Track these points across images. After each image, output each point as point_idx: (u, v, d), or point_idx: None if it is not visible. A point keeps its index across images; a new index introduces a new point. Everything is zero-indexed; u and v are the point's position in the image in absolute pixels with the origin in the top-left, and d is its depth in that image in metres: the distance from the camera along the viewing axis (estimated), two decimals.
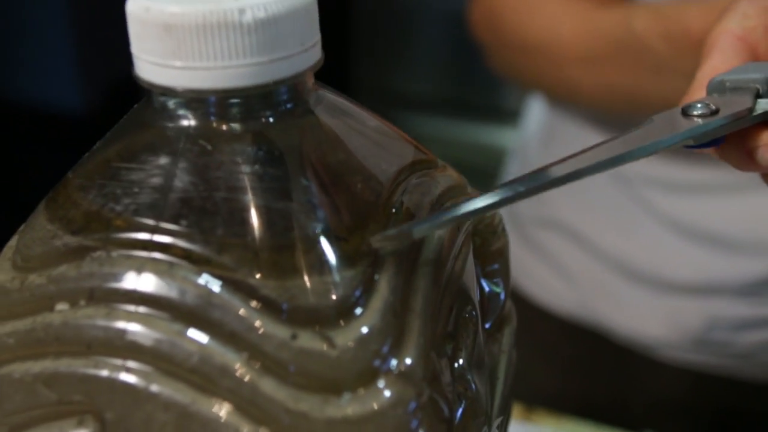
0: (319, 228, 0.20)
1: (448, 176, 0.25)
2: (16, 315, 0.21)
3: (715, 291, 0.55)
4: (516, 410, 0.48)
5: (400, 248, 0.21)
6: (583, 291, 0.58)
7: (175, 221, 0.20)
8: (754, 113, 0.24)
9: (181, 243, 0.20)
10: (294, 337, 0.19)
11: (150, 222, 0.21)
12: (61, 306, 0.21)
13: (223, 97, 0.21)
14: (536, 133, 0.60)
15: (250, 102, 0.21)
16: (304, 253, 0.20)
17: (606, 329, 0.58)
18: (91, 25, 1.62)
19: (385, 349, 0.20)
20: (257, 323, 0.19)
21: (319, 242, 0.20)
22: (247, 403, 0.19)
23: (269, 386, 0.19)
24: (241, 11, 0.20)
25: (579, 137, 0.56)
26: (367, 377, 0.19)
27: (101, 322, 0.20)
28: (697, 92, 0.27)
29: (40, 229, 0.22)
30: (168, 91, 0.21)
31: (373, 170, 0.23)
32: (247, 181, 0.21)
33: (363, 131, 0.24)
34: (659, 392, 0.59)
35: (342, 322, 0.20)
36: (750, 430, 0.59)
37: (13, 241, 0.23)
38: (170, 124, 0.21)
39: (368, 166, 0.23)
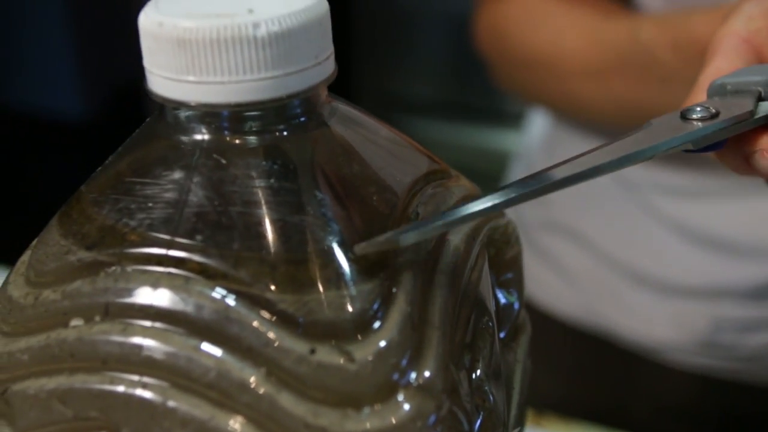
0: (335, 241, 0.20)
1: (462, 186, 0.25)
2: (30, 331, 0.21)
3: (720, 294, 0.55)
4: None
5: (417, 259, 0.21)
6: (589, 295, 0.58)
7: (190, 236, 0.20)
8: (756, 116, 0.24)
9: (197, 257, 0.20)
10: (312, 351, 0.19)
11: (165, 237, 0.20)
12: (76, 322, 0.21)
13: (237, 111, 0.21)
14: (539, 139, 0.60)
15: (264, 116, 0.21)
16: (321, 267, 0.20)
17: (611, 333, 0.58)
18: (92, 32, 1.62)
19: (404, 362, 0.20)
20: (275, 338, 0.19)
21: (335, 255, 0.20)
22: (265, 418, 0.19)
23: (288, 401, 0.19)
24: (255, 25, 0.20)
25: (582, 145, 0.56)
26: (386, 391, 0.19)
27: (116, 338, 0.20)
28: (699, 95, 0.27)
29: (53, 244, 0.22)
30: (181, 106, 0.21)
31: (388, 181, 0.23)
32: (262, 195, 0.21)
33: (377, 142, 0.23)
34: (665, 396, 0.59)
35: (360, 336, 0.20)
36: None
37: (25, 256, 0.23)
38: (184, 138, 0.21)
39: (383, 177, 0.23)
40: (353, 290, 0.20)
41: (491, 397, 0.22)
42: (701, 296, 0.55)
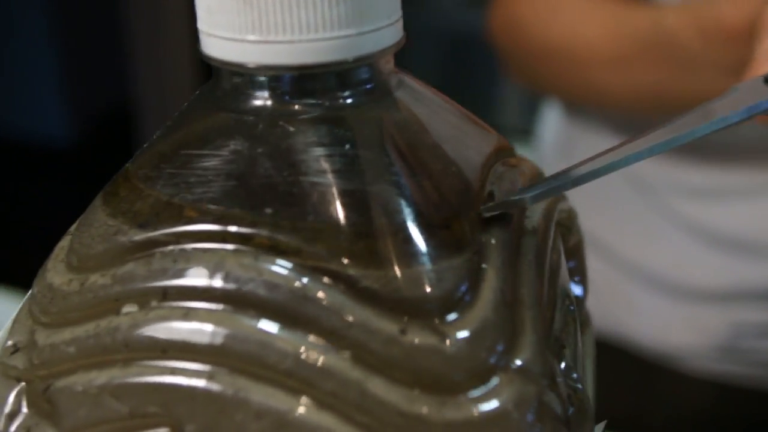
0: (419, 214, 0.19)
1: (528, 164, 0.24)
2: (75, 320, 0.19)
3: (739, 297, 0.54)
4: None
5: (501, 237, 0.20)
6: (604, 301, 0.57)
7: (257, 209, 0.18)
8: None
9: (266, 232, 0.18)
10: (403, 331, 0.17)
11: (229, 211, 0.19)
12: (129, 308, 0.19)
13: (305, 74, 0.19)
14: (553, 145, 0.59)
15: (332, 80, 0.19)
16: (406, 240, 0.18)
17: (628, 340, 0.57)
18: (78, 57, 1.60)
19: (501, 342, 0.18)
20: (360, 317, 0.17)
21: (422, 229, 0.18)
22: (353, 407, 0.17)
23: (378, 387, 0.17)
24: None
25: (599, 146, 0.55)
26: (483, 374, 0.17)
27: (178, 324, 0.18)
28: (761, 67, 0.26)
29: (99, 225, 0.20)
30: (244, 69, 0.19)
31: (461, 157, 0.21)
32: (336, 164, 0.19)
33: (444, 116, 0.22)
34: (682, 404, 0.58)
35: (453, 315, 0.18)
36: None
37: (64, 242, 0.21)
38: (245, 106, 0.19)
39: (456, 152, 0.21)
40: (443, 264, 0.18)
41: (580, 386, 0.21)
42: (719, 300, 0.54)
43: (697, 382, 0.56)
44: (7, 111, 1.60)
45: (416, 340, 0.17)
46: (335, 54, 0.19)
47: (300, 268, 0.18)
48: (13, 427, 0.19)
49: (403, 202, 0.19)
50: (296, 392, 0.17)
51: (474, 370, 0.17)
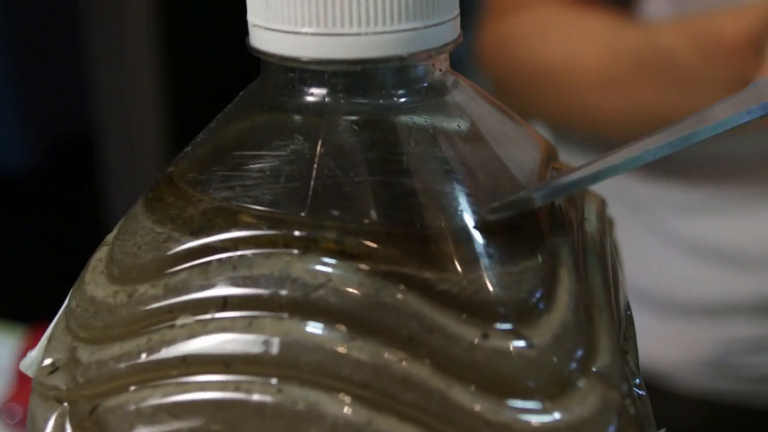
0: (493, 215, 0.18)
1: (570, 167, 0.23)
2: (124, 335, 0.18)
3: (728, 311, 0.54)
4: None
5: (567, 238, 0.19)
6: None
7: (322, 212, 0.17)
8: None
9: (333, 235, 0.17)
10: (485, 336, 0.16)
11: (292, 214, 0.18)
12: (185, 320, 0.18)
13: (367, 69, 0.18)
14: None
15: (391, 76, 0.19)
16: (482, 243, 0.17)
17: None
18: (36, 82, 1.57)
19: (581, 346, 0.17)
20: (440, 323, 0.17)
21: (494, 230, 0.18)
22: (436, 418, 0.16)
23: (462, 396, 0.16)
24: None
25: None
26: (565, 379, 0.17)
27: (241, 336, 0.17)
28: None
29: (145, 233, 0.19)
30: (300, 64, 0.18)
31: (517, 159, 0.20)
32: (405, 165, 0.18)
33: (497, 118, 0.21)
34: (673, 422, 0.58)
35: (533, 318, 0.17)
36: None
37: (101, 253, 0.20)
38: (301, 103, 0.19)
39: (511, 155, 0.20)
40: (521, 266, 0.17)
41: (644, 393, 0.20)
42: (708, 315, 0.54)
43: (686, 400, 0.56)
44: None
45: (499, 345, 0.16)
46: (399, 48, 0.18)
47: (372, 273, 0.17)
48: None
49: (470, 203, 0.18)
50: (374, 404, 0.16)
51: (556, 376, 0.17)
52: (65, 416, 0.18)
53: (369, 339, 0.17)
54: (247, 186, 0.18)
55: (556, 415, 0.16)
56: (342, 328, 0.17)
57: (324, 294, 0.17)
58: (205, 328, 0.17)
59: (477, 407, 0.16)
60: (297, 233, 0.17)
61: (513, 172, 0.20)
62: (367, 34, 0.18)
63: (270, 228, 0.18)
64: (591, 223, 0.21)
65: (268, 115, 0.19)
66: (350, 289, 0.17)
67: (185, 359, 0.17)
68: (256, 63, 0.20)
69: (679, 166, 0.53)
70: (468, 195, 0.18)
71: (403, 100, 0.19)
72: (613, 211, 0.61)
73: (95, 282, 0.19)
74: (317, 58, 0.18)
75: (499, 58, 0.52)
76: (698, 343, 0.55)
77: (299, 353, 0.17)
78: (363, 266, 0.17)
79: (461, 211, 0.18)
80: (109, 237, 0.20)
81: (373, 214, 0.17)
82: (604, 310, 0.18)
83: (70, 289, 0.20)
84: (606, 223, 0.22)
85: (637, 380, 0.20)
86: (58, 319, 0.20)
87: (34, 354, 0.20)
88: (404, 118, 0.19)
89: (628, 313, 0.21)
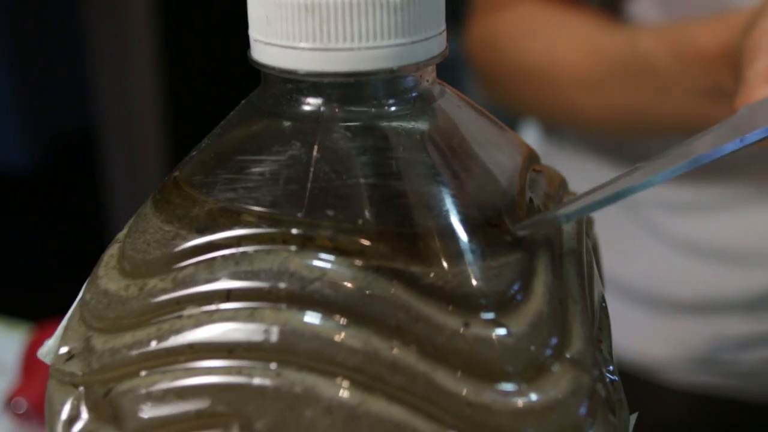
0: (470, 214, 0.19)
1: (550, 171, 0.25)
2: (135, 325, 0.19)
3: (719, 308, 0.55)
4: None
5: (546, 236, 0.20)
6: None
7: (318, 211, 0.19)
8: None
9: (328, 233, 0.19)
10: (467, 325, 0.18)
11: (290, 214, 0.19)
12: (192, 310, 0.19)
13: (360, 80, 0.20)
14: None
15: (381, 87, 0.20)
16: (464, 239, 0.19)
17: None
18: (37, 83, 1.58)
19: (555, 334, 0.19)
20: (425, 313, 0.18)
21: (476, 228, 0.19)
22: (422, 399, 0.18)
23: (446, 380, 0.18)
24: None
25: (574, 164, 0.57)
26: (541, 364, 0.18)
27: (243, 325, 0.19)
28: (755, 91, 0.27)
29: (154, 231, 0.20)
30: (298, 76, 0.20)
31: (499, 162, 0.22)
32: (393, 168, 0.19)
33: (481, 124, 0.23)
34: (663, 416, 0.59)
35: (511, 308, 0.18)
36: None
37: (113, 250, 0.21)
38: (298, 112, 0.20)
39: (493, 158, 0.22)
40: (500, 260, 0.19)
41: (617, 378, 0.21)
42: (698, 312, 0.56)
43: (676, 394, 0.57)
44: None
45: (479, 333, 0.18)
46: (389, 62, 0.20)
47: (364, 268, 0.18)
48: None
49: (454, 203, 0.20)
50: (365, 387, 0.18)
51: (533, 361, 0.18)
52: (81, 399, 0.19)
53: (361, 328, 0.18)
54: (248, 188, 0.20)
55: (533, 397, 0.18)
56: (336, 317, 0.18)
57: (319, 287, 0.18)
58: (211, 318, 0.19)
59: (460, 389, 0.18)
60: (294, 231, 0.19)
61: (495, 175, 0.21)
62: (360, 48, 0.19)
63: (270, 226, 0.19)
64: (566, 227, 0.22)
65: (267, 123, 0.21)
66: (344, 282, 0.18)
67: (192, 346, 0.19)
68: (253, 66, 0.21)
69: None
70: (453, 196, 0.20)
71: (393, 108, 0.21)
72: (609, 209, 0.63)
73: (108, 276, 0.20)
74: (314, 71, 0.19)
75: (486, 55, 0.53)
76: (688, 339, 0.56)
77: (297, 341, 0.18)
78: (355, 261, 0.19)
79: (446, 211, 0.19)
80: (120, 235, 0.22)
81: (365, 214, 0.19)
82: (578, 302, 0.20)
83: (72, 287, 0.21)
84: (583, 222, 0.23)
85: (611, 367, 0.21)
86: (73, 310, 0.21)
87: (51, 343, 0.21)
88: (394, 125, 0.20)
89: (603, 305, 0.23)
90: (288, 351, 0.18)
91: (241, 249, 0.19)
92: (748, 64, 0.28)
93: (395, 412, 0.18)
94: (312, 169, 0.19)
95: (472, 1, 0.55)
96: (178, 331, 0.19)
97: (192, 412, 0.19)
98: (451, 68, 0.22)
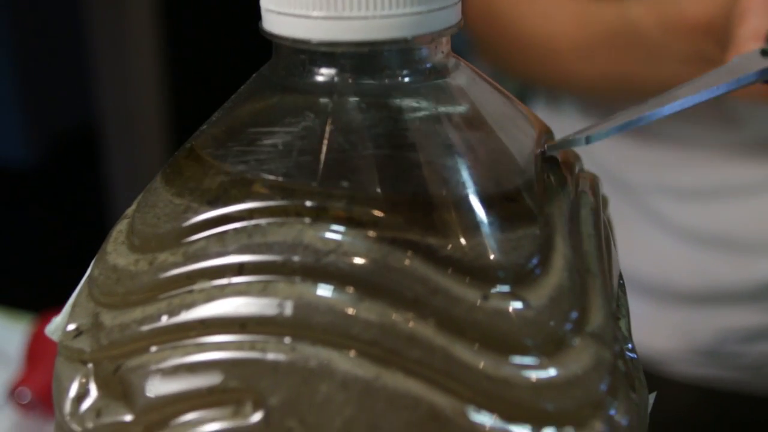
0: (490, 187, 0.19)
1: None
2: (145, 300, 0.19)
3: (723, 298, 0.55)
4: None
5: (563, 208, 0.20)
6: None
7: (332, 183, 0.19)
8: None
9: (342, 205, 0.18)
10: (485, 297, 0.18)
11: (303, 185, 0.19)
12: (203, 284, 0.19)
13: (374, 50, 0.19)
14: None
15: (396, 57, 0.20)
16: (482, 211, 0.18)
17: None
18: (39, 77, 1.57)
19: (575, 308, 0.18)
20: (443, 285, 0.18)
21: (493, 200, 0.19)
22: (439, 373, 0.17)
23: (464, 353, 0.17)
24: None
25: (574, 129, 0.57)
26: (561, 338, 0.18)
27: (256, 299, 0.18)
28: (745, 46, 0.31)
29: (164, 205, 0.20)
30: (311, 46, 0.19)
31: (514, 137, 0.21)
32: (409, 139, 0.19)
33: (495, 99, 0.22)
34: (668, 408, 0.59)
35: (530, 281, 0.18)
36: None
37: (122, 226, 0.21)
38: (312, 83, 0.20)
39: (509, 133, 0.21)
40: (519, 233, 0.18)
41: (635, 356, 0.21)
42: (704, 302, 0.55)
43: (681, 386, 0.57)
44: None
45: (498, 306, 0.18)
46: (403, 31, 0.19)
47: (379, 239, 0.18)
48: (83, 409, 0.19)
49: (471, 175, 0.19)
50: (382, 361, 0.17)
51: (553, 335, 0.18)
52: (89, 376, 0.19)
53: (377, 300, 0.18)
54: (261, 160, 0.19)
55: (552, 371, 0.17)
56: (351, 290, 0.18)
57: (334, 259, 0.18)
58: (223, 292, 0.18)
59: (478, 363, 0.17)
60: (308, 203, 0.19)
61: (510, 149, 0.21)
62: (374, 17, 0.19)
63: (283, 198, 0.19)
64: (585, 197, 0.22)
65: (280, 95, 0.20)
66: (359, 255, 0.18)
67: (203, 321, 0.18)
68: (258, 58, 0.21)
69: (676, 153, 0.54)
70: (468, 168, 0.19)
71: (407, 80, 0.20)
72: (612, 199, 0.62)
73: (117, 252, 0.20)
74: (327, 40, 0.19)
75: (484, 25, 0.55)
76: (693, 331, 0.56)
77: (311, 314, 0.18)
78: (371, 233, 0.18)
79: (462, 182, 0.19)
80: (129, 210, 0.21)
81: (380, 185, 0.18)
82: (597, 277, 0.19)
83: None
84: (600, 198, 0.23)
85: (629, 344, 0.21)
86: (81, 287, 0.21)
87: (58, 320, 0.21)
88: (408, 97, 0.20)
89: (621, 282, 0.22)
90: (302, 325, 0.18)
91: (254, 221, 0.19)
92: (739, 25, 0.32)
93: (412, 385, 0.17)
94: (326, 141, 0.19)
95: None
96: (189, 305, 0.19)
97: (204, 388, 0.18)
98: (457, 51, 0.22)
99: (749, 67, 0.27)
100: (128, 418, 0.18)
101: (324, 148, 0.19)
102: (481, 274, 0.18)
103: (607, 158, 0.56)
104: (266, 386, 0.18)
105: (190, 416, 0.18)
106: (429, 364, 0.17)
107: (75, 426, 0.19)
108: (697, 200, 0.54)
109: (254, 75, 0.21)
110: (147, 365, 0.19)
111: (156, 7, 1.34)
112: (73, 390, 0.19)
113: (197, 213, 0.19)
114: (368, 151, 0.19)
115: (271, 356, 0.18)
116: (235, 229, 0.19)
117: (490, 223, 0.18)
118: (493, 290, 0.18)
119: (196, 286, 0.19)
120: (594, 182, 0.24)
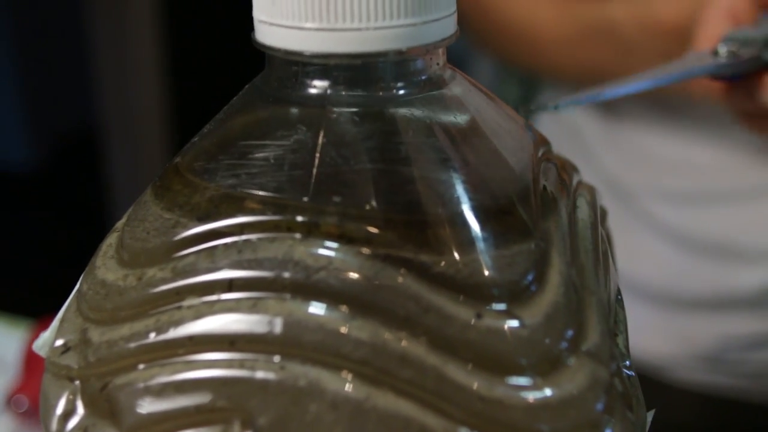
0: (485, 200, 0.19)
1: (561, 159, 0.24)
2: (133, 316, 0.19)
3: (725, 305, 0.54)
4: None
5: (560, 223, 0.20)
6: None
7: (324, 198, 0.18)
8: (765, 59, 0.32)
9: (334, 220, 0.18)
10: (479, 316, 0.17)
11: (295, 200, 0.18)
12: (193, 301, 0.18)
13: (368, 62, 0.19)
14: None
15: (390, 69, 0.19)
16: (476, 227, 0.18)
17: None
18: (40, 81, 1.57)
19: (571, 326, 0.18)
20: (435, 303, 0.17)
21: (488, 215, 0.18)
22: (431, 394, 0.17)
23: (457, 373, 0.17)
24: None
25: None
26: (556, 358, 0.17)
27: (246, 316, 0.18)
28: (701, 46, 0.35)
29: (154, 219, 0.19)
30: (304, 58, 0.19)
31: (511, 149, 0.21)
32: (403, 154, 0.19)
33: (492, 110, 0.22)
34: (669, 415, 0.58)
35: (525, 298, 0.18)
36: None
37: (111, 239, 0.21)
38: (304, 95, 0.19)
39: (506, 145, 0.21)
40: (514, 249, 0.18)
41: (633, 374, 0.21)
42: (705, 308, 0.55)
43: (683, 393, 0.57)
44: None
45: (492, 325, 0.17)
46: (397, 43, 0.19)
47: (372, 256, 0.18)
48: (69, 428, 0.19)
49: (465, 189, 0.19)
50: (372, 381, 0.17)
51: (548, 354, 0.17)
52: (76, 394, 0.19)
53: (368, 319, 0.17)
54: (252, 174, 0.19)
55: (547, 392, 0.17)
56: (342, 308, 0.18)
57: (325, 276, 0.18)
58: (212, 309, 0.18)
59: (471, 383, 0.17)
60: (300, 218, 0.18)
61: (508, 162, 0.20)
62: (367, 29, 0.18)
63: (274, 213, 0.18)
64: (583, 211, 0.21)
65: (272, 107, 0.20)
66: (350, 272, 0.18)
67: (192, 338, 0.18)
68: (259, 61, 0.21)
69: (676, 158, 0.54)
70: (464, 183, 0.19)
71: (402, 92, 0.20)
72: (611, 205, 0.62)
73: (106, 266, 0.20)
74: (320, 52, 0.19)
75: (475, 13, 0.58)
76: (695, 338, 0.55)
77: (301, 332, 0.17)
78: (363, 250, 0.18)
79: (457, 197, 0.19)
80: (119, 224, 0.21)
81: (373, 201, 0.18)
82: (594, 294, 0.19)
83: (75, 284, 0.21)
84: (597, 211, 0.23)
85: (627, 362, 0.21)
86: (70, 302, 0.21)
87: (46, 335, 0.20)
88: (403, 110, 0.20)
89: (619, 297, 0.22)
90: (292, 343, 0.17)
91: (244, 237, 0.18)
92: (699, 28, 0.36)
93: (403, 406, 0.17)
94: (318, 155, 0.19)
95: None
96: (177, 322, 0.18)
97: (191, 407, 0.18)
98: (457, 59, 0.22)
99: (700, 62, 0.32)
100: None
101: (316, 162, 0.19)
102: (475, 292, 0.17)
103: (607, 165, 0.56)
104: (255, 406, 0.17)
105: None
106: (421, 384, 0.17)
107: None
108: (698, 206, 0.53)
109: (247, 86, 0.21)
110: (134, 383, 0.18)
111: (157, 10, 1.34)
112: (60, 407, 0.19)
113: (187, 228, 0.19)
114: (361, 165, 0.18)
115: (260, 375, 0.17)
116: (225, 245, 0.18)
117: (485, 239, 0.18)
118: (487, 308, 0.17)
119: (185, 303, 0.18)
120: (592, 194, 0.23)
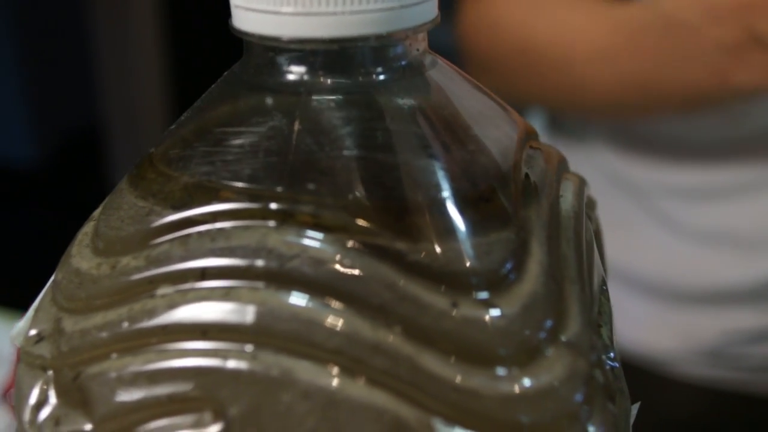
0: (461, 188, 0.18)
1: (549, 149, 0.23)
2: (107, 305, 0.18)
3: (728, 299, 0.54)
4: None
5: (541, 212, 0.19)
6: None
7: (299, 186, 0.18)
8: None
9: (309, 209, 0.18)
10: (455, 305, 0.17)
11: (269, 188, 0.18)
12: (165, 290, 0.18)
13: (345, 48, 0.19)
14: None
15: (368, 55, 0.19)
16: (453, 214, 0.18)
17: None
18: (44, 78, 1.57)
19: (550, 317, 0.17)
20: (410, 292, 0.17)
21: (466, 202, 0.18)
22: (405, 383, 0.17)
23: (431, 363, 0.17)
24: None
25: (579, 151, 0.56)
26: (534, 348, 0.17)
27: (218, 304, 0.18)
28: None
29: (129, 207, 0.19)
30: (280, 43, 0.19)
31: (493, 137, 0.21)
32: (380, 140, 0.18)
33: (475, 98, 0.22)
34: (671, 409, 0.58)
35: (503, 288, 0.17)
36: None
37: (87, 228, 0.20)
38: (281, 82, 0.19)
39: (487, 132, 0.21)
40: (491, 237, 0.18)
41: (617, 365, 0.20)
42: (708, 302, 0.54)
43: (685, 387, 0.56)
44: None
45: (468, 314, 0.17)
46: (376, 27, 0.18)
47: (346, 244, 0.17)
48: (42, 418, 0.18)
49: (444, 177, 0.18)
50: (346, 370, 0.17)
51: (525, 344, 0.17)
52: (49, 383, 0.18)
53: (342, 308, 0.17)
54: (226, 161, 0.19)
55: (525, 382, 0.17)
56: (316, 297, 0.17)
57: (299, 264, 0.17)
58: (185, 298, 0.18)
59: (446, 373, 0.17)
60: (274, 206, 0.18)
61: (489, 149, 0.20)
62: (344, 13, 0.18)
63: (248, 201, 0.18)
64: (567, 200, 0.21)
65: (248, 94, 0.20)
66: (325, 260, 0.17)
67: (165, 328, 0.18)
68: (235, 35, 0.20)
69: (679, 151, 0.53)
70: (443, 169, 0.19)
71: (381, 78, 0.19)
72: (612, 198, 0.61)
73: (80, 255, 0.19)
74: (296, 36, 0.18)
75: (485, 38, 0.52)
76: (697, 332, 0.55)
77: (274, 321, 0.17)
78: (338, 238, 0.17)
79: (435, 184, 0.18)
80: (96, 212, 0.21)
81: (349, 188, 0.18)
82: (576, 283, 0.19)
83: None
84: (583, 201, 0.22)
85: (611, 353, 0.20)
86: (45, 291, 0.20)
87: (21, 325, 0.20)
88: (382, 96, 0.19)
89: (604, 288, 0.22)
90: (264, 332, 0.17)
91: (218, 225, 0.18)
92: None
93: (377, 397, 0.17)
94: (293, 141, 0.18)
95: None
96: (150, 311, 0.18)
97: (163, 396, 0.17)
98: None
99: None
100: (87, 427, 0.18)
101: (291, 149, 0.18)
102: (452, 281, 0.17)
103: (610, 159, 0.56)
104: (227, 395, 0.17)
105: (150, 425, 0.18)
106: (395, 374, 0.17)
107: None
108: (701, 199, 0.53)
109: (225, 73, 0.21)
110: (107, 373, 0.18)
111: (161, 9, 1.33)
112: (33, 397, 0.19)
113: (161, 216, 0.19)
114: (338, 152, 0.18)
115: (232, 364, 0.17)
116: (199, 233, 0.18)
117: (462, 227, 0.18)
118: (464, 297, 0.17)
119: (159, 291, 0.18)
120: (578, 184, 0.23)
